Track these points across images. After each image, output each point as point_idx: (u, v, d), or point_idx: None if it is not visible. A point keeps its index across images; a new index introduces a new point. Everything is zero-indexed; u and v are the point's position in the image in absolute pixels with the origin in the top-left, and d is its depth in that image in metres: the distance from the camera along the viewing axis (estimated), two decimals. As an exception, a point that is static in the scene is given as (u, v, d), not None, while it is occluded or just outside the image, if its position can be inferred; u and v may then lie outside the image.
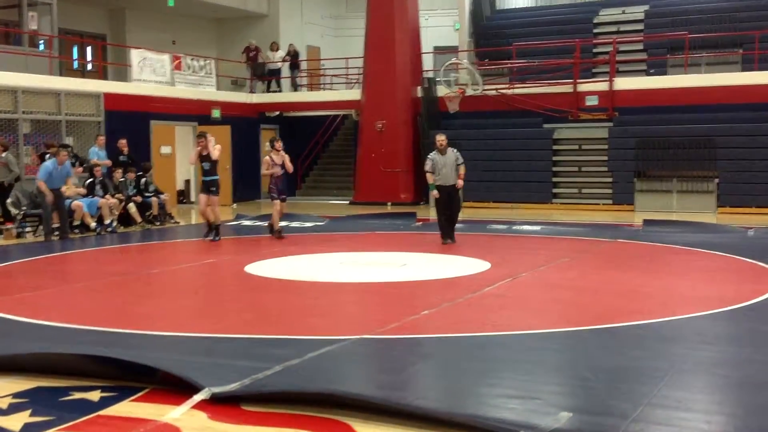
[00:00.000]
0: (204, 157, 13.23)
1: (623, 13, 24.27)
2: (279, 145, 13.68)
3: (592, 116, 20.48)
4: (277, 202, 13.65)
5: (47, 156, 14.66)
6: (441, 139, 12.72)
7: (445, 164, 12.53)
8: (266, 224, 14.34)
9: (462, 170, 12.59)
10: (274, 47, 24.76)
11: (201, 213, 13.55)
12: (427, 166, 12.69)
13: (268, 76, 25.01)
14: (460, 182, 12.63)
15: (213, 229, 13.36)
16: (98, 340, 6.47)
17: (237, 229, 15.93)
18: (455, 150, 12.73)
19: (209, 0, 25.03)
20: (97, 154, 16.74)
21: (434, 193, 12.77)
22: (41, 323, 7.18)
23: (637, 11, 24.01)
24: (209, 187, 13.32)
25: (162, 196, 16.92)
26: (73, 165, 15.98)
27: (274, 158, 13.51)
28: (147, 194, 16.53)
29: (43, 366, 5.51)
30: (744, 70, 20.26)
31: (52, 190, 13.82)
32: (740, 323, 7.13)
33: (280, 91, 25.09)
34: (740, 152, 18.36)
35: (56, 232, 13.97)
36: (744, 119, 18.75)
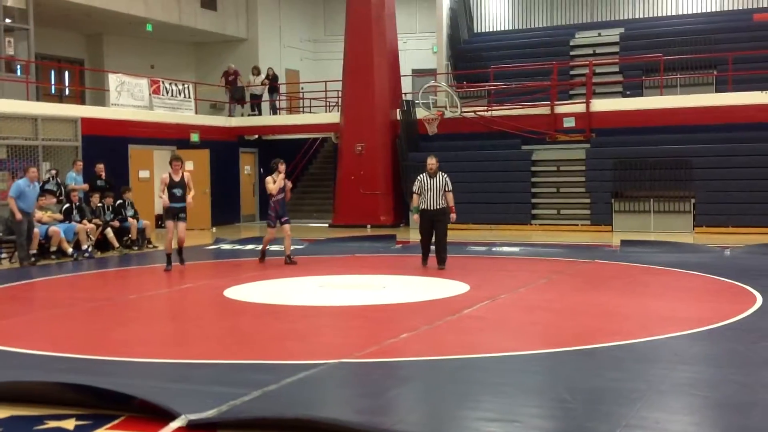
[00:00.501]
0: (175, 183, 12.67)
1: (599, 35, 24.58)
2: (282, 167, 13.10)
3: (569, 138, 20.64)
4: (272, 229, 13.23)
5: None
6: (431, 162, 12.32)
7: (431, 188, 12.24)
8: (260, 250, 13.76)
9: (449, 198, 12.30)
10: (255, 71, 24.79)
11: (169, 241, 12.77)
12: (415, 187, 12.43)
13: (247, 100, 25.02)
14: (453, 216, 12.35)
15: (176, 255, 12.90)
16: (74, 368, 6.40)
17: (216, 253, 15.85)
18: (445, 175, 12.35)
19: (187, 24, 25.09)
20: (75, 179, 16.65)
21: (415, 217, 12.58)
22: (16, 351, 7.09)
23: (613, 34, 24.33)
24: (178, 214, 12.72)
25: (144, 222, 16.86)
26: (53, 193, 15.88)
27: (276, 180, 13.01)
28: (121, 217, 16.43)
29: (18, 394, 5.43)
30: (718, 91, 20.51)
31: (25, 213, 13.68)
32: (718, 343, 7.16)
33: (259, 114, 25.10)
34: (716, 173, 18.54)
35: (30, 258, 13.85)
36: (719, 140, 18.95)
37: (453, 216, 12.33)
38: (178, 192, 12.65)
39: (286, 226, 13.30)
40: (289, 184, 13.43)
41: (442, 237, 12.40)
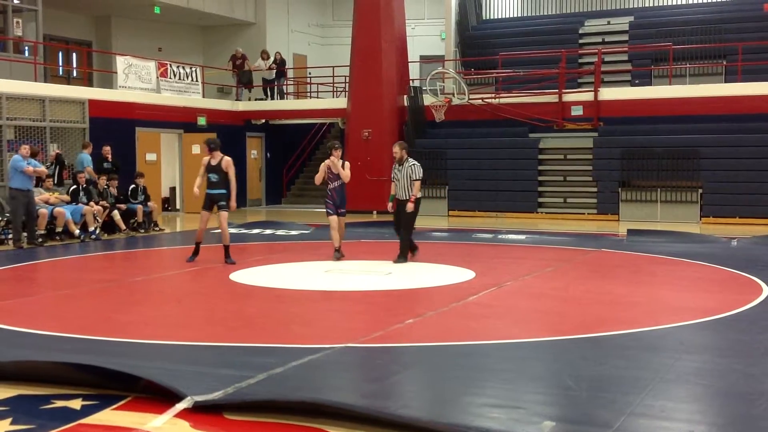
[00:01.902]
0: (212, 167, 11.65)
1: (608, 24, 24.49)
2: (337, 153, 12.11)
3: (577, 126, 20.58)
4: (333, 218, 12.19)
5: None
6: (395, 150, 11.70)
7: (399, 177, 11.61)
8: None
9: (414, 187, 11.53)
10: (264, 55, 24.73)
11: (200, 231, 11.92)
12: (392, 176, 11.98)
13: (256, 84, 24.96)
14: (410, 205, 11.49)
15: (196, 249, 12.02)
16: (80, 348, 6.43)
17: (222, 236, 15.84)
18: (414, 163, 11.66)
19: (195, 7, 25.03)
20: (89, 161, 16.68)
21: (388, 205, 12.20)
22: (23, 330, 7.13)
23: (622, 22, 24.23)
24: (216, 202, 11.72)
25: (150, 204, 16.89)
26: (51, 176, 15.88)
27: (330, 166, 12.08)
28: (133, 202, 16.49)
29: (25, 373, 5.46)
30: (727, 81, 20.44)
31: (23, 191, 13.67)
32: (723, 333, 7.16)
33: (270, 98, 25.05)
34: (724, 163, 18.48)
35: (38, 238, 13.88)
36: (727, 130, 18.89)
37: (409, 205, 11.49)
38: (213, 177, 11.66)
39: (340, 219, 12.32)
40: (347, 164, 12.29)
41: (405, 227, 11.75)
